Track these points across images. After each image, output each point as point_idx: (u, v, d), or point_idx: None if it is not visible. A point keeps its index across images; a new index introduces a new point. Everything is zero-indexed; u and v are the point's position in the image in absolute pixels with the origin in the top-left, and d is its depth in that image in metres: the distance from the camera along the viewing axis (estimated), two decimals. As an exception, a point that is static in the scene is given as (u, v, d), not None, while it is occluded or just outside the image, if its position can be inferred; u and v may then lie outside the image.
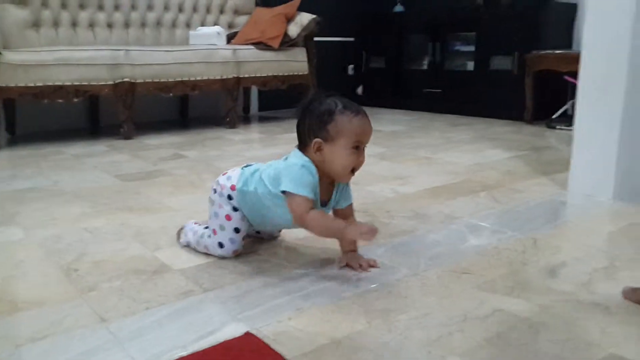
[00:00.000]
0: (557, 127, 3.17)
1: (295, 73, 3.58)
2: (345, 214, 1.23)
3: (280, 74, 3.50)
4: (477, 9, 3.76)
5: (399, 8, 4.37)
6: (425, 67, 4.06)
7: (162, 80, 3.03)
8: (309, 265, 1.22)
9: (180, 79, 3.09)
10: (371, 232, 1.07)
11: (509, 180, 1.96)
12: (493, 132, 3.10)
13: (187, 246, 1.32)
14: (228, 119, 3.36)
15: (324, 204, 1.19)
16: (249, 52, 3.36)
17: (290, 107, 4.25)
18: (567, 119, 3.23)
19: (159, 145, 2.80)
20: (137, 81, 2.94)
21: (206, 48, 3.23)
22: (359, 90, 4.54)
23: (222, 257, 1.25)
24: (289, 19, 3.52)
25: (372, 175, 2.07)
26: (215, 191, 1.27)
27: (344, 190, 1.22)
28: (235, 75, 3.30)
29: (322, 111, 1.13)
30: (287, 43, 3.50)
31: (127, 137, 2.97)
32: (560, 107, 3.31)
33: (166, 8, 3.58)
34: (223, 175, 1.28)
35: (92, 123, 3.46)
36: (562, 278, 1.15)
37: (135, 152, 2.63)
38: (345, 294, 1.08)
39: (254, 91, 4.11)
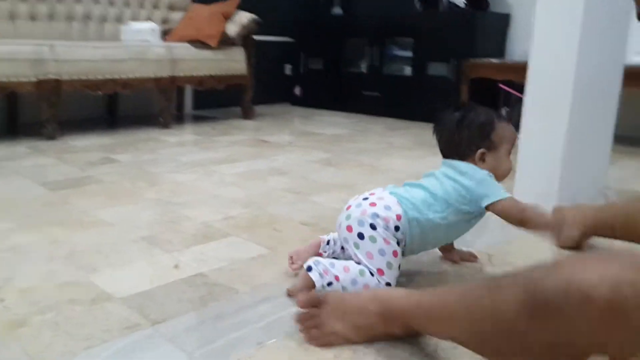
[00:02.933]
0: (492, 133, 3.25)
1: (233, 73, 3.46)
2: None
3: (218, 73, 3.38)
4: (415, 15, 3.80)
5: (337, 11, 4.34)
6: (364, 70, 4.06)
7: (90, 77, 2.83)
8: (266, 288, 1.15)
9: (110, 77, 2.90)
10: None
11: (454, 191, 1.97)
12: (431, 137, 3.12)
13: (325, 287, 1.06)
14: (161, 119, 3.20)
15: None
16: (185, 50, 3.21)
17: (226, 106, 4.13)
18: (501, 126, 3.33)
19: (86, 148, 2.61)
20: (63, 78, 2.73)
21: (139, 45, 3.05)
22: (297, 90, 4.48)
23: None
24: (227, 18, 3.40)
25: (318, 184, 2.01)
26: (373, 226, 1.09)
27: None
28: (170, 74, 3.14)
29: (483, 122, 1.17)
30: (225, 42, 3.38)
31: (51, 137, 2.76)
32: (495, 114, 3.40)
33: (95, 0, 3.35)
34: (371, 205, 1.12)
35: (9, 121, 3.19)
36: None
37: (60, 154, 2.43)
38: (307, 323, 1.02)
39: (188, 89, 3.95)
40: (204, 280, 1.18)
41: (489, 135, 1.16)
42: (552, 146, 1.73)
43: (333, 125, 3.53)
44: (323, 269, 1.07)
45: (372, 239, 1.09)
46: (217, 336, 0.96)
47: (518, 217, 1.14)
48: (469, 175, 1.14)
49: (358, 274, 1.07)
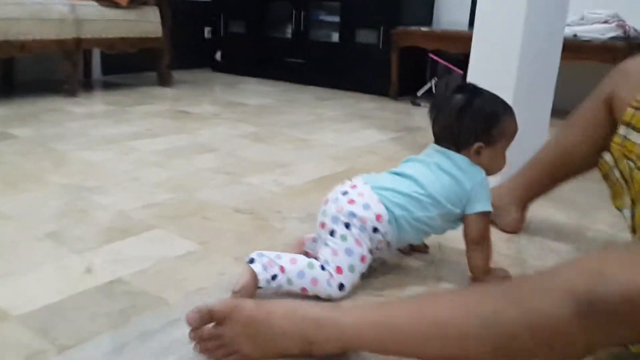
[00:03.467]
0: (422, 104, 3.19)
1: (147, 35, 3.16)
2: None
3: (130, 35, 3.06)
4: (342, -23, 3.62)
5: (259, -31, 4.08)
6: (289, 35, 3.86)
7: (-22, 38, 2.45)
8: (201, 295, 0.99)
9: (4, 39, 2.53)
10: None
11: (393, 167, 1.87)
12: (361, 108, 3.02)
13: (269, 283, 0.95)
14: (66, 87, 2.87)
15: None
16: (91, 9, 2.87)
17: (139, 71, 3.81)
18: (431, 97, 3.28)
19: (-23, 121, 2.27)
20: (-56, 39, 2.35)
21: (38, 2, 2.68)
22: (218, 56, 4.21)
23: (316, 296, 0.98)
24: (140, -27, 3.07)
25: (249, 163, 1.85)
26: (347, 225, 1.00)
27: None
28: (74, 36, 2.80)
29: (489, 113, 1.05)
30: (137, 1, 3.06)
31: None
32: (424, 85, 3.34)
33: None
34: (350, 203, 1.01)
35: None
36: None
37: (-56, 129, 2.09)
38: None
39: (96, 52, 3.58)
40: (124, 289, 1.00)
41: (490, 129, 1.04)
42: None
43: (258, 94, 3.33)
44: (267, 261, 0.96)
45: (343, 238, 1.00)
46: (144, 364, 0.80)
47: (482, 237, 1.05)
48: (470, 175, 1.04)
49: (306, 266, 0.98)
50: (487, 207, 1.04)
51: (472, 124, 1.04)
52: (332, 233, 1.01)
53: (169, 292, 1.00)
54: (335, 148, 2.11)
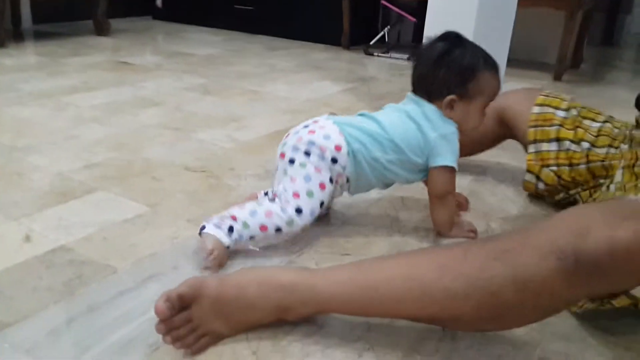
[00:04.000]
0: (375, 53, 3.12)
1: (81, -20, 2.91)
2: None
3: (61, -20, 2.81)
4: None
5: None
6: (235, -19, 3.65)
7: None
8: (152, 262, 0.92)
9: None
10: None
11: (350, 120, 1.81)
12: (314, 59, 2.92)
13: (229, 236, 0.91)
14: (-7, 37, 2.63)
15: None
16: (15, -51, 2.61)
17: (74, 19, 3.55)
18: (384, 46, 3.20)
19: None
20: None
21: (-49, -61, 2.41)
22: (158, 2, 3.96)
23: (278, 231, 0.95)
24: None
25: (199, 118, 1.74)
26: (307, 153, 0.98)
27: None
28: (-2, -21, 2.55)
29: (465, 65, 0.99)
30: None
31: None
32: (377, 33, 3.25)
33: None
34: (310, 133, 1.00)
35: None
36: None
37: None
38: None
39: (25, -1, 3.30)
40: (67, 258, 0.92)
41: (466, 82, 0.99)
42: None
43: (204, 43, 3.16)
44: (217, 220, 0.93)
45: (302, 165, 0.98)
46: (93, 339, 0.73)
47: (446, 191, 1.03)
48: (435, 125, 1.00)
49: (255, 205, 0.97)
50: (450, 162, 1.00)
51: (447, 74, 0.99)
52: (291, 161, 0.99)
53: (117, 259, 0.92)
54: (289, 101, 2.02)
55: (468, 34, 1.60)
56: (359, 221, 1.12)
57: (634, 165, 0.95)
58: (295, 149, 0.99)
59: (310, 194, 0.97)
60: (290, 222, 0.95)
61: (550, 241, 0.62)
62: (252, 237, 0.94)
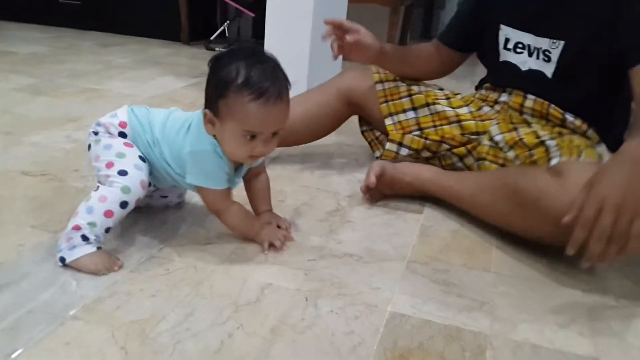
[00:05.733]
0: (216, 48, 3.12)
1: None
2: (259, 171, 1.06)
3: None
4: None
5: None
6: (58, -27, 3.39)
7: None
8: (4, 269, 0.85)
9: None
10: (286, 239, 1.01)
11: (197, 115, 1.80)
12: (153, 54, 2.84)
13: (84, 239, 0.88)
14: None
15: (237, 168, 0.98)
16: None
17: None
18: (225, 40, 3.21)
19: None
20: None
21: None
22: (-33, -4, 3.53)
23: (124, 205, 0.90)
24: None
25: (31, 120, 1.62)
26: (95, 133, 0.95)
27: None
28: None
29: (220, 78, 0.85)
30: None
31: None
32: (217, 28, 3.25)
33: None
34: (101, 118, 0.97)
35: None
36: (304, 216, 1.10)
37: None
38: (74, 310, 0.78)
39: None
40: None
41: (217, 100, 0.86)
42: (298, 54, 1.72)
43: (27, 41, 2.90)
44: (65, 243, 0.88)
45: (96, 142, 0.95)
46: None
47: (214, 213, 0.97)
48: (191, 139, 0.91)
49: (85, 202, 0.90)
50: (198, 182, 0.92)
51: (207, 84, 0.89)
52: (88, 147, 0.97)
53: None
54: (132, 98, 1.95)
55: (306, 30, 1.70)
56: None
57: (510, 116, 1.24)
58: (88, 136, 0.97)
59: (120, 155, 0.92)
60: (125, 189, 0.89)
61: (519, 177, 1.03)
62: (107, 229, 0.90)
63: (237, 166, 0.97)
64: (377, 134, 1.42)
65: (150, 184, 0.97)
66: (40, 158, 1.33)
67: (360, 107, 1.38)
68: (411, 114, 1.32)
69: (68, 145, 1.43)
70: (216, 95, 0.86)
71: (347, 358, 0.73)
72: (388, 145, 1.33)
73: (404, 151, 1.32)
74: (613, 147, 1.16)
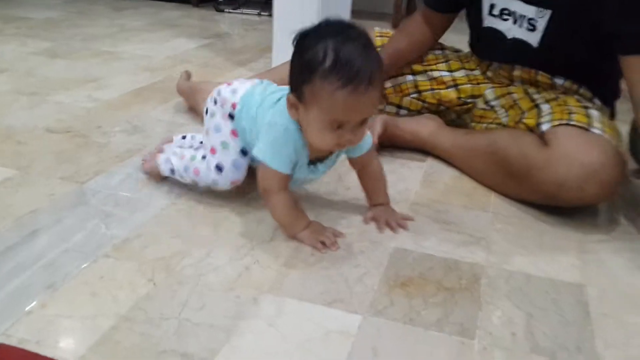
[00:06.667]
0: (225, 10, 3.13)
1: None
2: (364, 161, 0.96)
3: None
4: None
5: None
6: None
7: None
8: (34, 218, 0.93)
9: None
10: (331, 245, 0.89)
11: (211, 74, 1.86)
12: (165, 17, 2.87)
13: (171, 175, 1.05)
14: None
15: (319, 160, 0.91)
16: None
17: None
18: (234, 2, 3.22)
19: None
20: None
21: None
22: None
23: (208, 185, 1.00)
24: None
25: (54, 82, 1.69)
26: (215, 102, 0.97)
27: None
28: None
29: (306, 60, 0.77)
30: None
31: None
32: (226, -11, 3.26)
33: None
34: (228, 85, 0.98)
35: None
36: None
37: None
38: (104, 249, 0.87)
39: None
40: (-60, 224, 0.91)
41: (302, 84, 0.78)
42: (306, 14, 1.76)
43: (41, 6, 2.95)
44: (169, 155, 1.05)
45: (212, 114, 0.98)
46: (-12, 292, 0.76)
47: (262, 193, 0.90)
48: (275, 111, 0.87)
49: (189, 159, 1.01)
50: (262, 156, 0.85)
51: (292, 66, 0.81)
52: (206, 111, 1.00)
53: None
54: (147, 59, 2.01)
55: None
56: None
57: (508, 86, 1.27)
58: (210, 98, 0.99)
59: (225, 145, 0.94)
60: (215, 182, 0.97)
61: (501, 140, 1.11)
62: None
63: (324, 154, 0.91)
64: None
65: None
66: (64, 116, 1.40)
67: None
68: (410, 77, 1.36)
69: (90, 104, 1.50)
70: (301, 80, 0.78)
71: (353, 286, 0.81)
72: (387, 108, 1.38)
73: (403, 112, 1.38)
74: (606, 100, 1.19)
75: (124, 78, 1.76)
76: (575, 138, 0.98)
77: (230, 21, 2.89)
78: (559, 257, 0.91)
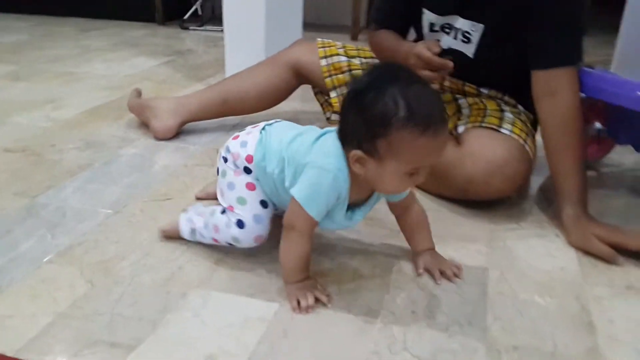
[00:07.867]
0: (190, 27, 3.22)
1: None
2: (405, 204, 0.92)
3: None
4: None
5: None
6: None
7: None
8: (-19, 233, 1.00)
9: None
10: (305, 308, 0.82)
11: (167, 89, 1.94)
12: (130, 37, 2.95)
13: (191, 237, 0.97)
14: None
15: (360, 203, 0.87)
16: None
17: None
18: (198, 19, 3.31)
19: None
20: None
21: None
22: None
23: (230, 243, 0.91)
24: None
25: (13, 103, 1.75)
26: (226, 160, 0.93)
27: None
28: None
29: (376, 115, 0.73)
30: None
31: None
32: (190, 7, 3.35)
33: None
34: (234, 139, 0.94)
35: None
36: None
37: None
38: (49, 256, 0.94)
39: None
40: None
41: (374, 139, 0.74)
42: (254, 31, 1.84)
43: (8, 30, 3.01)
44: (192, 214, 0.98)
45: (223, 174, 0.94)
46: (-64, 298, 0.82)
47: (286, 228, 0.84)
48: (316, 148, 0.83)
49: (208, 215, 0.95)
50: (299, 197, 0.80)
51: (355, 121, 0.76)
52: (217, 171, 0.96)
53: (-52, 234, 0.99)
54: (107, 78, 2.08)
55: (261, 2, 1.81)
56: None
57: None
58: (219, 157, 0.96)
59: (241, 200, 0.90)
60: (236, 240, 0.90)
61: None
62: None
63: (362, 199, 0.87)
64: (327, 97, 1.55)
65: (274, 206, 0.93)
66: (21, 136, 1.47)
67: (309, 79, 1.49)
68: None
69: (46, 124, 1.57)
70: (371, 135, 0.74)
71: (277, 280, 0.88)
72: (333, 117, 1.46)
73: None
74: (529, 107, 1.23)
75: (82, 98, 1.83)
76: (483, 138, 1.08)
77: (195, 38, 2.98)
78: (468, 245, 1.00)
